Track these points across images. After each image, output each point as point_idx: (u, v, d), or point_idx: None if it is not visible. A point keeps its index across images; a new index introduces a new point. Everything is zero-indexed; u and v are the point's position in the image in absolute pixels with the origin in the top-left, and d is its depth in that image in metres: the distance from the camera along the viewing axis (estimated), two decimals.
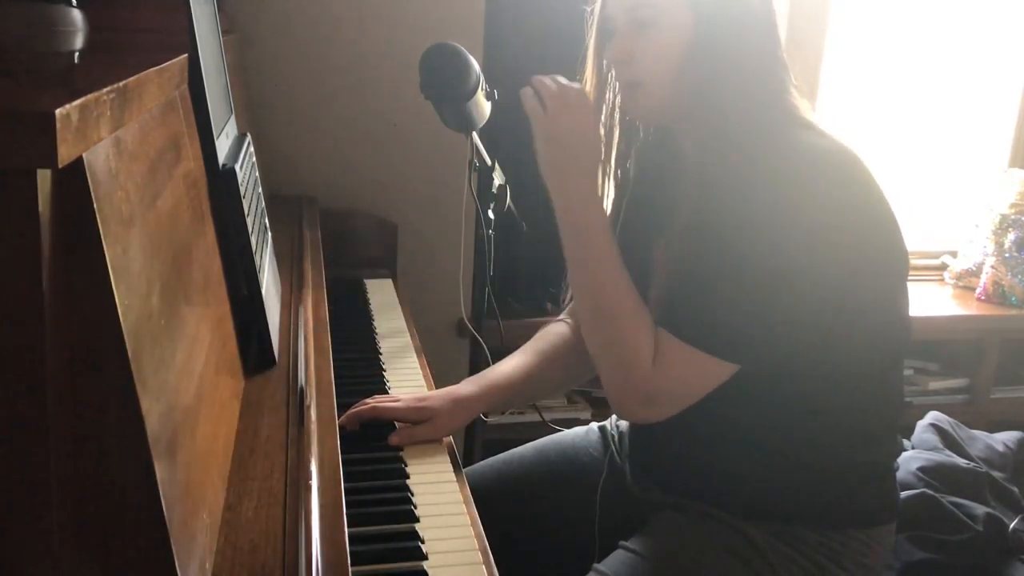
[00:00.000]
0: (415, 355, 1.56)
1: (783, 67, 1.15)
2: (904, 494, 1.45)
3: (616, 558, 1.16)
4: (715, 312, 1.06)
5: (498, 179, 1.60)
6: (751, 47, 1.11)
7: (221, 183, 1.00)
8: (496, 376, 1.31)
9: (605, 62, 1.22)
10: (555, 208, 1.17)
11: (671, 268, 1.15)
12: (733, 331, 1.06)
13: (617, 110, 1.27)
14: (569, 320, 1.42)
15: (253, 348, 1.09)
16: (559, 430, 1.51)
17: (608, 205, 1.36)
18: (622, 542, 1.19)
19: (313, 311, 1.32)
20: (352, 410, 1.22)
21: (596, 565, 1.16)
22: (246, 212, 1.04)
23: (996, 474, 1.59)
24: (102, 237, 0.56)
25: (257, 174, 1.23)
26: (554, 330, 1.40)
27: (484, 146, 1.58)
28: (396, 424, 1.23)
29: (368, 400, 1.25)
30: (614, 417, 1.46)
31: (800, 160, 1.07)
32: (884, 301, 1.13)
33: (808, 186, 1.04)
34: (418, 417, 1.23)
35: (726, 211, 1.07)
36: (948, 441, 1.67)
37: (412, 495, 1.10)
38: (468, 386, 1.28)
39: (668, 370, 1.09)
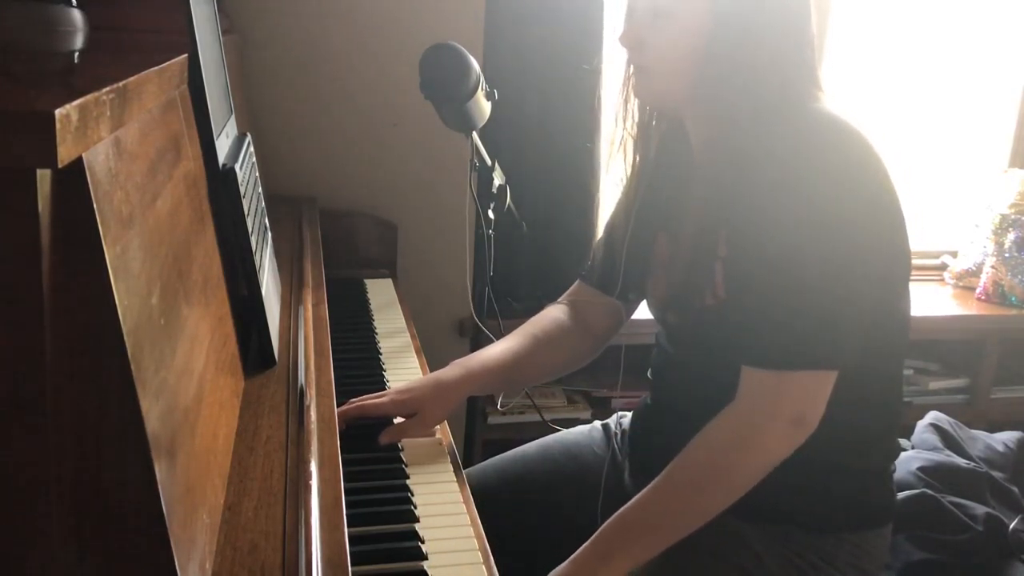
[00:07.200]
0: (415, 355, 1.56)
1: (807, 70, 1.12)
2: (904, 494, 1.45)
3: None
4: (804, 329, 1.04)
5: (498, 179, 1.60)
6: (769, 53, 1.09)
7: (221, 183, 1.00)
8: (483, 359, 1.30)
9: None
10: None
11: (734, 298, 1.11)
12: (825, 342, 1.04)
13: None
14: (566, 304, 1.41)
15: (253, 348, 1.09)
16: (559, 431, 1.50)
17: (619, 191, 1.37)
18: None
19: (313, 311, 1.32)
20: (338, 411, 1.20)
21: None
22: (246, 212, 1.04)
23: (996, 474, 1.59)
24: (102, 237, 0.56)
25: (257, 174, 1.23)
26: (550, 314, 1.40)
27: (484, 146, 1.58)
28: (394, 421, 1.23)
29: (354, 400, 1.24)
30: (617, 415, 1.45)
31: (821, 166, 1.05)
32: (891, 300, 1.14)
33: (836, 189, 1.04)
34: (404, 410, 1.23)
35: (763, 221, 1.05)
36: (948, 441, 1.66)
37: (412, 495, 1.10)
38: (453, 370, 1.28)
39: (784, 404, 1.04)
